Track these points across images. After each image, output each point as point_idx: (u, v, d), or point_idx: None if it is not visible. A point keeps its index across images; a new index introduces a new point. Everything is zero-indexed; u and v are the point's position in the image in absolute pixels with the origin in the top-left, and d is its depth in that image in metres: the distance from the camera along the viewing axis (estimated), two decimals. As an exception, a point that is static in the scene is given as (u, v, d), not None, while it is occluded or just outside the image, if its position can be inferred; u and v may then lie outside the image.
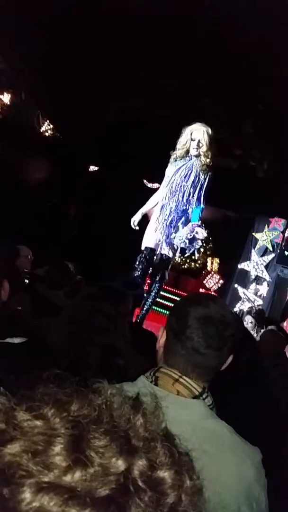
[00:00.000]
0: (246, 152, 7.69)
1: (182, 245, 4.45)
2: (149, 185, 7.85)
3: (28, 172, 8.45)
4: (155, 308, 6.81)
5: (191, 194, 4.46)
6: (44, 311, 2.33)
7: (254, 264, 7.95)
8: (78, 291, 2.53)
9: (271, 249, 7.87)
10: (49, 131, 8.24)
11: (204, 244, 9.54)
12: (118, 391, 0.51)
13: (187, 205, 4.49)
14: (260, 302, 7.61)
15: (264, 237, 7.97)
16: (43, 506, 0.38)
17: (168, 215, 4.49)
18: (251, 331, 3.93)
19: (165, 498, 0.42)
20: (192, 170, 4.44)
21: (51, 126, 8.20)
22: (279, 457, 1.62)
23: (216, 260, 9.47)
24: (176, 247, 4.55)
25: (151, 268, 4.73)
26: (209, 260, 9.54)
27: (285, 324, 6.63)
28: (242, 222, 8.29)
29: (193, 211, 4.50)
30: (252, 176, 7.92)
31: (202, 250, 9.47)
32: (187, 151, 4.51)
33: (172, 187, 4.49)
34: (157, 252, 4.58)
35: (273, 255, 7.79)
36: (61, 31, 5.79)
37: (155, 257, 4.62)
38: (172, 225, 4.50)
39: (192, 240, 4.44)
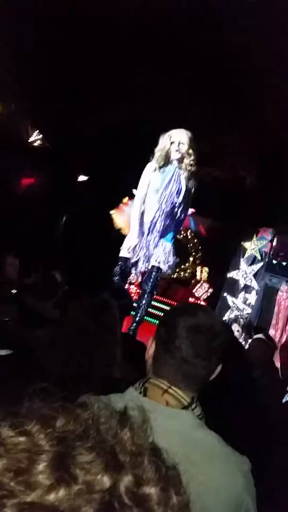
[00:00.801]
0: (235, 161, 7.75)
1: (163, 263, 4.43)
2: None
3: (17, 181, 8.42)
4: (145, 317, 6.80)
5: (180, 209, 4.39)
6: (32, 322, 2.31)
7: (243, 273, 8.00)
8: (66, 302, 2.52)
9: (259, 258, 7.92)
10: (38, 141, 8.21)
11: (193, 253, 9.60)
12: (105, 404, 0.50)
13: (175, 218, 4.46)
14: (249, 310, 7.64)
15: (252, 246, 8.03)
16: None
17: (156, 229, 4.42)
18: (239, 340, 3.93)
19: None
20: (181, 184, 4.28)
21: (40, 136, 8.18)
22: (268, 466, 1.62)
23: (205, 269, 9.50)
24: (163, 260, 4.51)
25: (140, 279, 4.69)
26: (198, 269, 9.57)
27: (273, 332, 6.67)
28: (230, 232, 8.35)
29: (175, 226, 4.50)
30: (241, 186, 7.99)
31: (191, 259, 9.52)
32: (168, 157, 4.28)
33: (163, 203, 4.29)
34: (141, 264, 4.49)
35: (261, 264, 7.85)
36: (53, 38, 5.73)
37: (132, 268, 4.54)
38: (159, 236, 4.46)
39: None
